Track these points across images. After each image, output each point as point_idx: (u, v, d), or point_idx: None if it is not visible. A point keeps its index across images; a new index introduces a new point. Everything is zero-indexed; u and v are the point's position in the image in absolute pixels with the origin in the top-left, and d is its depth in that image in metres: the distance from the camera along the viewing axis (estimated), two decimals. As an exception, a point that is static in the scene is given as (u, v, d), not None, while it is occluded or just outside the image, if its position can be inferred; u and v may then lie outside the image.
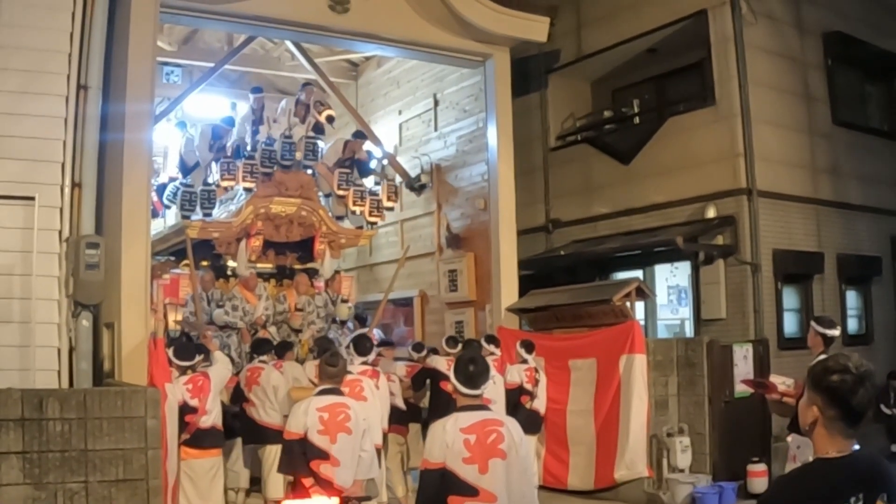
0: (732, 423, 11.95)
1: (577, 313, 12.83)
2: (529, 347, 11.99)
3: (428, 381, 11.80)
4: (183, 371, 9.56)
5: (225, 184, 13.90)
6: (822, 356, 8.35)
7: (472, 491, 5.18)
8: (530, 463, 5.63)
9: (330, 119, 15.03)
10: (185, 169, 14.38)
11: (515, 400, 11.45)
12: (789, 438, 9.08)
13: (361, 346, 10.48)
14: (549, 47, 16.17)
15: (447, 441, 5.26)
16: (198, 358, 9.82)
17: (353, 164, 15.17)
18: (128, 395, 7.65)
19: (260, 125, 14.56)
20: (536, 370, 11.90)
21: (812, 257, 14.96)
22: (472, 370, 5.45)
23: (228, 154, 14.19)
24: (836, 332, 8.41)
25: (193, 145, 14.39)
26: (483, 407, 5.52)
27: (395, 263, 15.01)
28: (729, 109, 14.18)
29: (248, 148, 14.34)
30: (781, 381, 8.86)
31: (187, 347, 10.25)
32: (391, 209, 15.58)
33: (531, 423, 11.38)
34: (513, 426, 5.43)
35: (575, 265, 15.88)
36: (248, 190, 13.96)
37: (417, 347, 12.95)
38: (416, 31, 13.44)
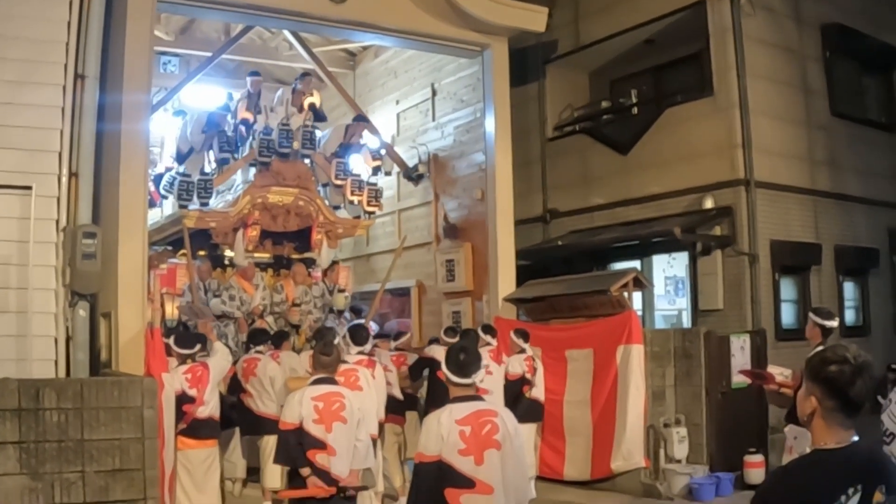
0: (729, 414, 11.96)
1: (575, 304, 12.82)
2: (525, 336, 11.95)
3: (426, 370, 11.83)
4: (183, 360, 9.55)
5: (223, 155, 13.90)
6: (820, 347, 8.44)
7: (468, 483, 5.18)
8: (525, 453, 5.65)
9: (312, 107, 14.98)
10: (181, 156, 14.36)
11: (518, 390, 11.44)
12: (786, 429, 9.12)
13: (358, 335, 10.46)
14: (547, 38, 16.18)
15: (442, 433, 5.24)
16: (197, 346, 9.82)
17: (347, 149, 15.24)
18: (124, 385, 7.64)
19: (258, 114, 14.52)
20: (534, 359, 11.91)
21: (810, 248, 14.98)
22: (463, 359, 5.42)
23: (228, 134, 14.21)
24: (834, 324, 8.46)
25: (187, 132, 14.37)
26: (477, 397, 5.51)
27: (392, 253, 15.01)
28: (727, 101, 14.18)
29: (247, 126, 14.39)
30: (779, 372, 8.92)
31: (187, 336, 10.25)
32: (378, 169, 15.54)
33: (532, 412, 11.41)
34: (507, 416, 5.44)
35: (572, 255, 15.89)
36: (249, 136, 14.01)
37: (397, 336, 12.95)
38: (413, 20, 13.40)
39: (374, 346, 11.51)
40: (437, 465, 5.21)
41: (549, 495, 11.52)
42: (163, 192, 14.34)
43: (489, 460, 5.23)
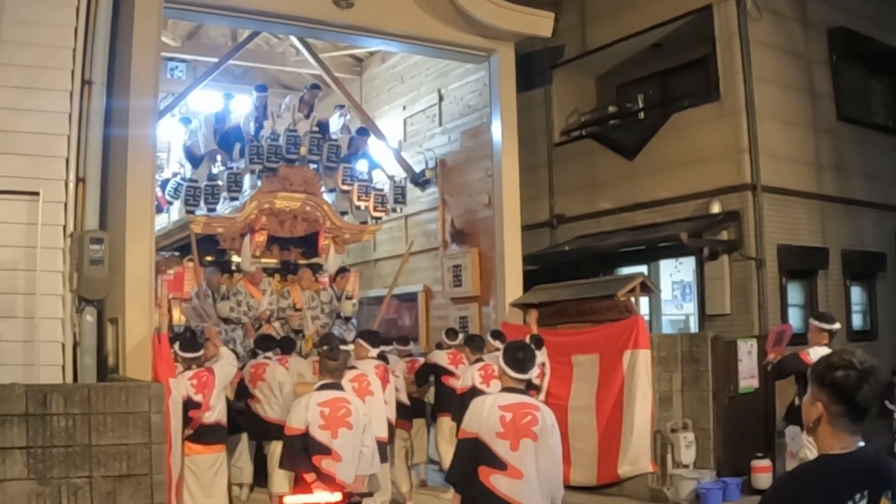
0: (737, 419, 11.94)
1: (582, 309, 12.81)
2: (539, 342, 12.00)
3: (431, 376, 11.88)
4: (188, 365, 9.56)
5: (232, 195, 13.93)
6: (825, 349, 8.69)
7: (501, 465, 5.66)
8: (560, 450, 6.07)
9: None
10: (194, 160, 14.37)
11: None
12: (786, 430, 9.28)
13: (375, 337, 10.50)
14: (554, 43, 16.18)
15: (483, 414, 5.73)
16: (201, 351, 9.82)
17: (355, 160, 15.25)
18: (132, 391, 7.65)
19: (264, 120, 14.53)
20: (543, 364, 11.94)
21: (816, 253, 14.95)
22: (521, 356, 5.94)
23: (234, 156, 14.19)
24: (837, 326, 8.83)
25: (198, 136, 14.39)
26: (524, 392, 5.98)
27: (399, 259, 15.00)
28: (733, 105, 14.18)
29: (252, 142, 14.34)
30: None
31: (193, 341, 10.26)
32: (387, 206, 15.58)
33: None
34: (547, 413, 5.89)
35: (579, 260, 15.88)
36: (253, 172, 13.98)
37: (402, 341, 12.98)
38: (420, 26, 13.41)
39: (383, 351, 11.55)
40: (473, 442, 5.74)
41: (556, 500, 11.50)
42: (168, 197, 14.36)
43: (524, 448, 5.69)
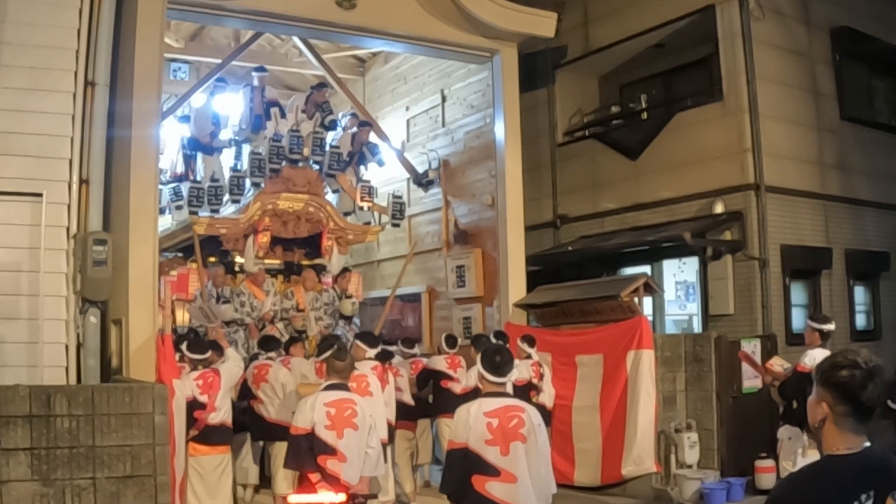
0: (740, 419, 11.95)
1: (585, 309, 12.79)
2: (531, 342, 12.04)
3: (430, 381, 11.91)
4: (195, 366, 9.57)
5: (234, 198, 13.92)
6: (819, 350, 8.86)
7: (493, 471, 5.70)
8: (548, 448, 6.09)
9: (332, 123, 15.09)
10: (206, 148, 14.38)
11: (525, 396, 11.44)
12: (781, 430, 9.35)
13: (371, 338, 10.48)
14: (557, 43, 16.18)
15: (470, 423, 5.75)
16: (209, 352, 9.83)
17: (361, 157, 15.26)
18: (135, 392, 7.66)
19: (267, 120, 14.52)
20: (540, 364, 11.94)
21: (820, 253, 14.94)
22: (499, 360, 5.96)
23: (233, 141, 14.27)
24: (831, 327, 9.04)
25: (193, 129, 14.45)
26: (506, 394, 6.05)
27: (403, 260, 15.00)
28: (736, 105, 14.18)
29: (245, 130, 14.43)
30: (780, 364, 9.30)
31: (200, 342, 10.26)
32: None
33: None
34: (532, 412, 5.92)
35: (582, 261, 15.88)
36: (256, 185, 14.00)
37: (407, 343, 12.98)
38: (423, 26, 13.41)
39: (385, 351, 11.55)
40: (464, 452, 5.77)
41: (560, 501, 11.44)
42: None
43: (514, 452, 5.73)
